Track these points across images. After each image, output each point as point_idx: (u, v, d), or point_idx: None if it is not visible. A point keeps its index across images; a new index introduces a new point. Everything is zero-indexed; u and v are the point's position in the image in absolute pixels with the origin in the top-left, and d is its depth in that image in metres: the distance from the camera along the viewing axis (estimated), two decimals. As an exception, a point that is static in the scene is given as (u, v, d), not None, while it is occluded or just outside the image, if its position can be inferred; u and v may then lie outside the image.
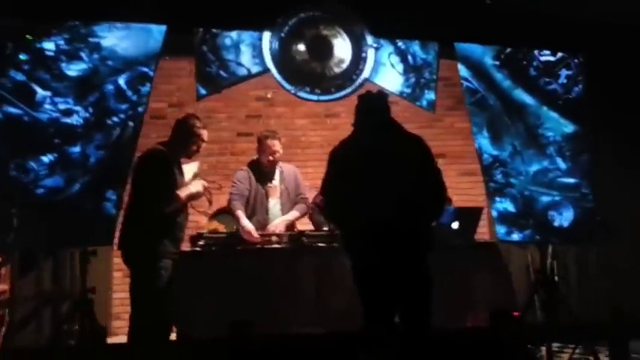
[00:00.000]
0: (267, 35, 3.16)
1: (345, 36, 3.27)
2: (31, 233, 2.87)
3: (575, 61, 3.57)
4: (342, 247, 2.78)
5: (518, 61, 3.52)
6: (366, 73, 3.27)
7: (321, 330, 2.94)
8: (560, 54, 3.56)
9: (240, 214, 3.50)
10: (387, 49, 3.36)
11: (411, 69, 3.36)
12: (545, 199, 3.43)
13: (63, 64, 2.99)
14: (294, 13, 3.22)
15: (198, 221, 4.32)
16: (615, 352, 2.62)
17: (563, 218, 3.42)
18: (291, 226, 3.68)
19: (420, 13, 3.36)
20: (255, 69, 3.14)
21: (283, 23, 3.19)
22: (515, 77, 3.50)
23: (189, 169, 4.04)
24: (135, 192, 3.14)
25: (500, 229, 3.35)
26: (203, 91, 3.10)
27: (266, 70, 3.15)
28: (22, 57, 2.96)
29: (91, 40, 3.02)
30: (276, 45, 3.17)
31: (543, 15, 3.49)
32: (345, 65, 3.24)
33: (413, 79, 3.35)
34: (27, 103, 2.92)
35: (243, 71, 3.14)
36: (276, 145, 3.65)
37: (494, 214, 3.34)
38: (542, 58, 3.55)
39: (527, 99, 3.50)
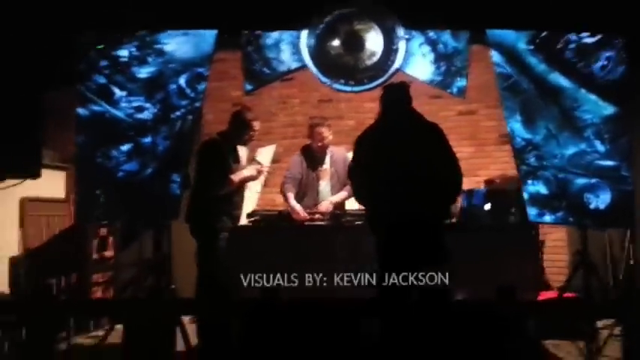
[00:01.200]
0: (304, 33, 3.54)
1: (377, 30, 3.56)
2: (113, 209, 3.56)
3: (617, 41, 3.53)
4: (367, 224, 3.14)
5: (554, 44, 3.58)
6: (397, 64, 3.55)
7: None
8: (599, 35, 3.54)
9: (290, 195, 4.01)
10: (418, 39, 3.59)
11: (441, 57, 3.57)
12: (580, 181, 3.50)
13: (135, 68, 3.61)
14: (329, 11, 3.58)
15: (275, 199, 4.90)
16: (627, 331, 2.73)
17: (600, 201, 3.47)
18: (341, 205, 4.10)
19: (450, 2, 3.53)
20: (294, 65, 3.56)
21: (319, 21, 3.56)
22: (550, 61, 3.57)
23: (266, 152, 4.62)
24: (195, 176, 3.74)
25: (532, 211, 3.50)
26: (249, 87, 3.58)
27: (304, 66, 3.54)
28: (103, 63, 3.61)
29: (156, 46, 3.61)
30: (312, 42, 3.55)
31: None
32: (377, 57, 3.54)
33: (444, 67, 3.56)
34: (108, 102, 3.58)
35: (283, 67, 3.57)
36: (325, 131, 4.09)
37: (526, 196, 3.48)
38: (581, 41, 3.56)
39: (564, 82, 3.56)
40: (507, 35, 3.60)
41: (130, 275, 4.70)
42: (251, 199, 4.33)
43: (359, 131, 5.76)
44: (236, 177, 3.74)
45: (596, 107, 3.55)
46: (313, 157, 4.21)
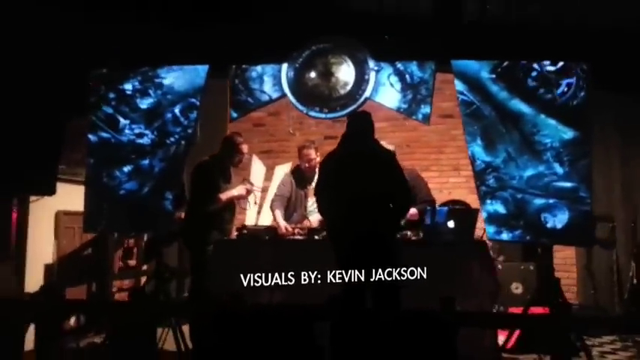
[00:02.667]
0: (284, 66, 4.01)
1: (349, 62, 3.99)
2: (116, 222, 4.11)
3: (578, 69, 3.77)
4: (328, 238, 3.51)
5: (516, 73, 3.87)
6: (367, 93, 3.95)
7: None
8: (561, 63, 3.80)
9: (277, 212, 4.46)
10: (387, 70, 3.99)
11: (408, 87, 3.94)
12: (538, 202, 3.76)
13: (137, 100, 4.20)
14: (307, 47, 4.02)
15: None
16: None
17: (557, 220, 3.71)
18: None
19: (417, 36, 3.90)
20: (275, 95, 4.04)
21: (298, 56, 4.03)
22: (511, 88, 3.87)
23: (283, 169, 5.10)
24: (189, 194, 4.26)
25: (490, 229, 3.77)
26: (234, 115, 4.10)
27: (283, 95, 4.00)
28: (111, 95, 4.20)
29: (156, 80, 4.19)
30: (291, 74, 4.02)
31: (542, 27, 3.78)
32: (349, 87, 3.96)
33: (410, 96, 3.93)
34: (113, 129, 4.17)
35: (265, 97, 4.05)
36: (312, 153, 4.52)
37: (484, 215, 3.76)
38: (542, 69, 3.83)
39: (524, 108, 3.84)
40: (471, 65, 3.93)
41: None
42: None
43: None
44: (224, 196, 4.24)
45: (555, 131, 3.80)
46: (302, 176, 4.64)
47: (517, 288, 5.16)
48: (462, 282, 3.69)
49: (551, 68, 3.87)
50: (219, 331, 3.12)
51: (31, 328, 3.66)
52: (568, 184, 3.76)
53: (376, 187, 3.36)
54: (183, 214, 4.40)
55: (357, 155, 3.47)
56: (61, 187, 4.37)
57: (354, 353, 3.16)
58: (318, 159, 4.57)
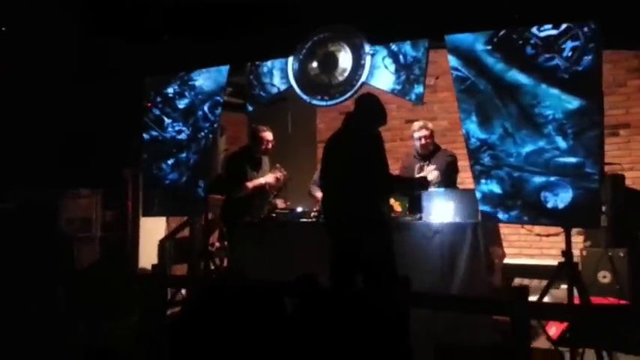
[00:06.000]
0: (290, 59, 4.28)
1: (347, 49, 4.13)
2: (163, 207, 4.82)
3: (584, 29, 3.38)
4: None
5: (513, 41, 3.63)
6: (363, 78, 4.06)
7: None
8: (564, 25, 3.43)
9: (317, 194, 4.72)
10: (382, 53, 4.03)
11: (401, 67, 3.94)
12: (538, 180, 3.53)
13: (177, 101, 4.87)
14: (309, 38, 4.25)
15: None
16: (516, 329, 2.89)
17: (559, 199, 3.45)
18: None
19: (409, 14, 3.85)
20: (282, 87, 4.37)
21: (301, 48, 4.30)
22: (509, 59, 3.66)
23: None
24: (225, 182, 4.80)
25: (484, 209, 3.59)
26: (250, 108, 4.51)
27: (290, 87, 4.28)
28: (158, 99, 4.91)
29: (190, 83, 4.83)
30: (296, 66, 4.30)
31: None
32: (346, 73, 4.12)
33: (403, 77, 3.93)
34: (160, 128, 4.90)
35: (274, 90, 4.40)
36: None
37: (478, 195, 3.61)
38: (542, 34, 3.55)
39: (523, 79, 3.60)
40: (465, 38, 3.76)
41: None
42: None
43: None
44: (250, 184, 4.67)
45: (558, 102, 3.50)
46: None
47: (604, 277, 4.68)
48: (453, 264, 3.60)
49: (552, 32, 3.50)
50: (204, 302, 3.56)
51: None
52: (572, 160, 3.42)
53: (357, 166, 3.44)
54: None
55: (344, 135, 3.59)
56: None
57: (320, 330, 3.35)
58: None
